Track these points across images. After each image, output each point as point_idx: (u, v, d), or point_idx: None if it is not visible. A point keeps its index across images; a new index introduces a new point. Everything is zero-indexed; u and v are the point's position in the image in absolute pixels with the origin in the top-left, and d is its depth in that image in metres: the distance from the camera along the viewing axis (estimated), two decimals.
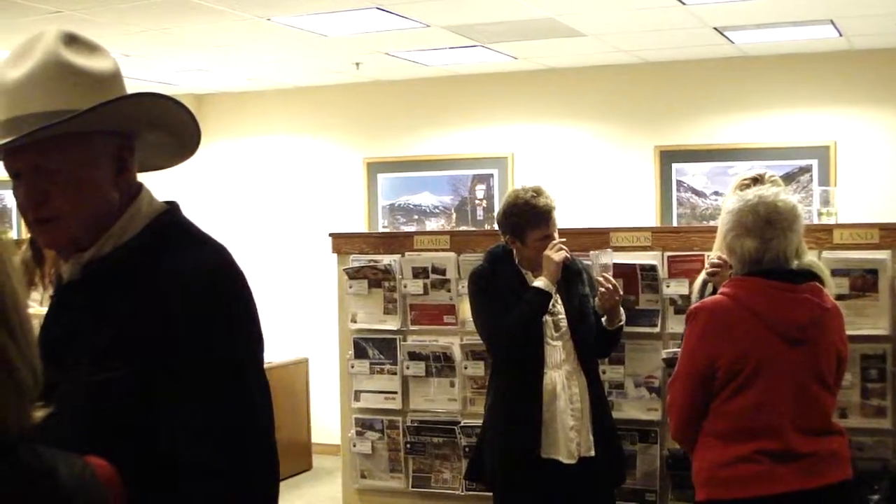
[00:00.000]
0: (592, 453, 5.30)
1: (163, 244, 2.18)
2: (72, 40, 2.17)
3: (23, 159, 2.15)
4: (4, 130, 2.12)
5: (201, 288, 2.11)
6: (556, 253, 5.24)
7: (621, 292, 5.47)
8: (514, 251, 5.39)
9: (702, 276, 5.30)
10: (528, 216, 5.28)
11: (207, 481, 2.03)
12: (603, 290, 5.35)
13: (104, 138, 2.17)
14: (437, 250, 6.52)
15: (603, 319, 5.42)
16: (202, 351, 2.06)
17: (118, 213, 2.21)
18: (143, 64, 9.32)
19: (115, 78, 2.21)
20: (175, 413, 2.04)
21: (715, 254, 5.07)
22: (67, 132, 2.10)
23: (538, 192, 5.35)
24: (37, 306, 5.73)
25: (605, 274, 5.34)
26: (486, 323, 5.44)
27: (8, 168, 2.19)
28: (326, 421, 9.74)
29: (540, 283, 5.24)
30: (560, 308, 5.36)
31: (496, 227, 5.53)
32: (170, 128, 2.32)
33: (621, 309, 5.47)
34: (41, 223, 2.20)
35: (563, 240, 5.31)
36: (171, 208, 2.29)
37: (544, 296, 5.24)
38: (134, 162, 2.25)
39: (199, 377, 2.05)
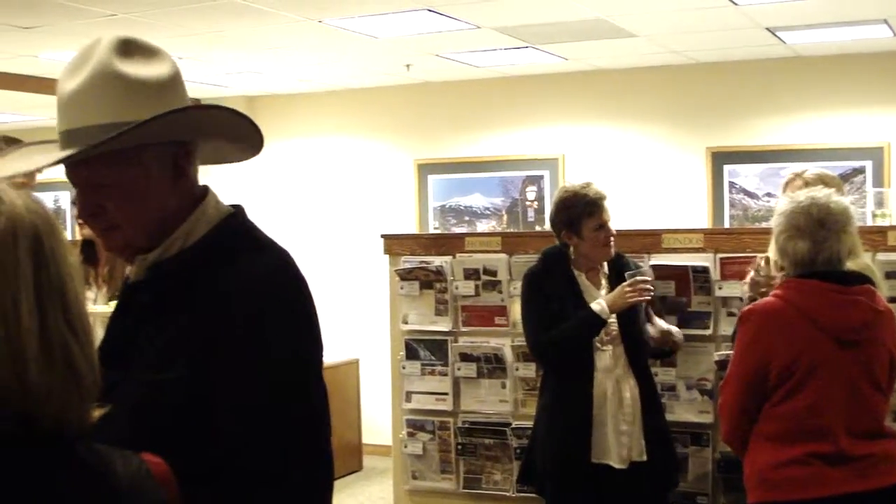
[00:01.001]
0: (644, 458, 5.27)
1: (227, 248, 2.19)
2: (127, 47, 2.16)
3: (77, 173, 2.17)
4: (63, 142, 2.14)
5: (263, 292, 2.12)
6: (633, 294, 5.19)
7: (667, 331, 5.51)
8: (571, 249, 5.37)
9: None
10: (581, 206, 5.27)
11: (262, 485, 2.04)
12: (657, 336, 5.42)
13: (159, 148, 2.17)
14: (488, 252, 6.53)
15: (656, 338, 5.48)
16: (261, 355, 2.07)
17: (184, 216, 2.22)
18: (196, 66, 9.38)
19: (171, 84, 2.19)
20: (232, 416, 2.06)
21: (762, 259, 5.03)
22: (121, 147, 2.11)
23: (587, 183, 5.36)
24: (91, 305, 5.79)
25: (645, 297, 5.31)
26: (531, 333, 5.44)
27: (68, 177, 2.21)
28: (377, 422, 9.77)
29: (597, 306, 5.20)
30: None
31: (549, 228, 5.51)
32: (228, 136, 2.33)
33: (673, 334, 5.51)
34: (101, 230, 2.23)
35: (651, 288, 5.27)
36: (237, 212, 2.30)
37: (597, 323, 5.21)
38: (192, 167, 2.25)
39: (257, 381, 2.06)
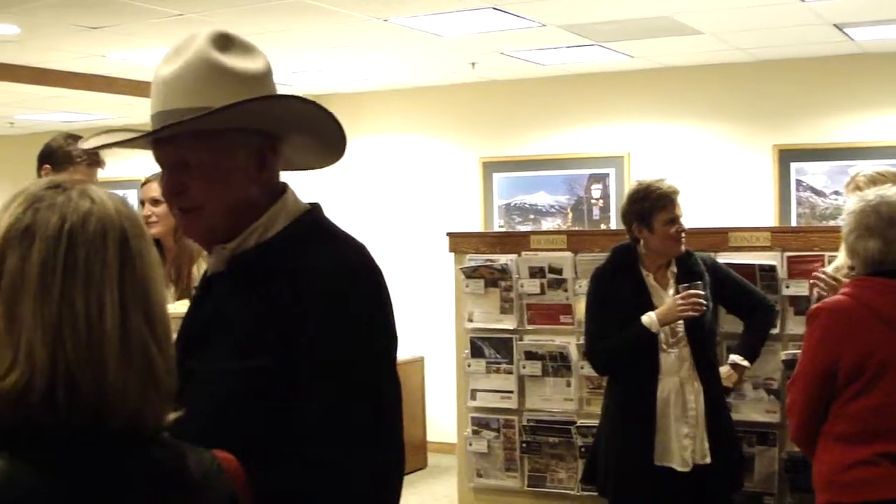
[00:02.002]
0: (708, 460, 5.24)
1: (304, 241, 2.23)
2: (224, 41, 2.24)
3: (166, 151, 2.24)
4: (154, 123, 2.21)
5: (339, 285, 2.15)
6: (685, 307, 5.16)
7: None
8: (640, 245, 5.34)
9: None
10: (654, 199, 5.25)
11: (335, 473, 2.06)
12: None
13: (246, 136, 2.23)
14: (553, 250, 6.52)
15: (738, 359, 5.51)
16: (337, 348, 2.10)
17: (262, 209, 2.26)
18: None
19: (263, 79, 2.26)
20: (306, 409, 2.08)
21: (833, 267, 5.00)
22: (206, 129, 2.17)
23: (661, 178, 5.37)
24: None
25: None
26: (587, 338, 5.48)
27: (156, 158, 2.28)
28: (442, 419, 9.78)
29: (647, 319, 5.18)
30: None
31: (614, 226, 5.50)
32: (312, 132, 2.36)
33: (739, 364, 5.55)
34: (182, 213, 2.27)
35: (703, 302, 5.22)
36: (314, 208, 2.34)
37: (646, 336, 5.19)
38: (277, 161, 2.30)
39: (331, 374, 2.09)
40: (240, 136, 2.22)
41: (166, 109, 2.19)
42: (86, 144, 2.37)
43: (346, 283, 2.17)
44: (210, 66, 2.19)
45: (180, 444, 1.68)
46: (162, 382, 1.62)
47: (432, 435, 10.47)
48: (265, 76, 2.27)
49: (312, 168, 2.51)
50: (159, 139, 2.22)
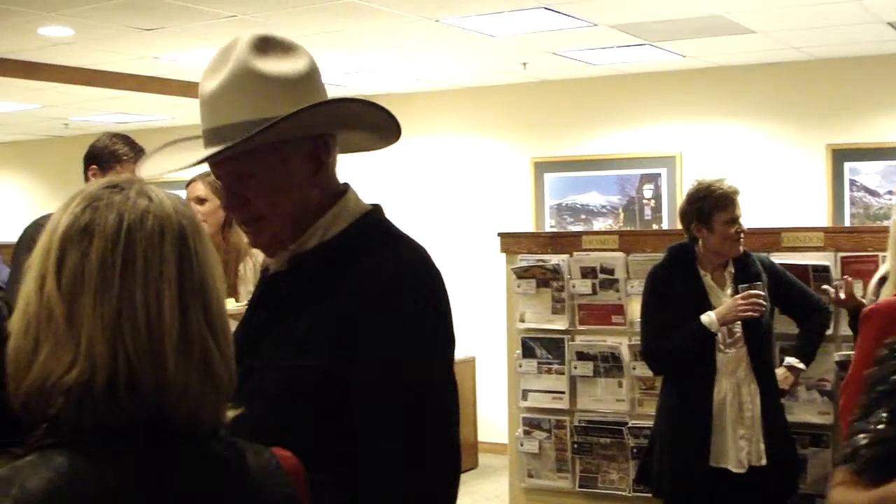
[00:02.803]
0: (763, 462, 5.21)
1: (364, 242, 2.24)
2: (264, 45, 2.22)
3: (222, 167, 2.24)
4: (207, 139, 2.21)
5: (398, 286, 2.16)
6: (745, 308, 5.14)
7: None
8: (699, 245, 5.33)
9: (877, 276, 5.18)
10: (714, 198, 5.24)
11: (391, 473, 2.07)
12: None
13: (297, 142, 2.22)
14: (605, 250, 6.51)
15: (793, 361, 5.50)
16: (395, 348, 2.10)
17: (323, 209, 2.27)
18: None
19: (308, 79, 2.24)
20: (363, 408, 2.09)
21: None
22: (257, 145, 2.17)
23: (721, 178, 5.36)
24: None
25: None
26: (643, 338, 5.46)
27: (213, 173, 2.30)
28: (493, 419, 9.79)
29: (706, 318, 5.16)
30: None
31: (672, 223, 5.49)
32: (363, 126, 2.37)
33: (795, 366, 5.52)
34: (246, 224, 2.29)
35: (763, 303, 5.19)
36: (375, 209, 2.35)
37: (705, 336, 5.17)
38: (332, 160, 2.30)
39: (389, 373, 2.10)
40: (292, 144, 2.22)
41: (215, 126, 2.19)
42: (146, 171, 2.37)
43: (403, 284, 2.17)
44: (252, 75, 2.18)
45: (238, 442, 1.70)
46: (221, 379, 1.63)
47: (483, 435, 10.47)
48: (309, 76, 2.25)
49: (368, 150, 2.52)
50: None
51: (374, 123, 2.38)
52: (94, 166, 4.93)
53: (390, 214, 2.37)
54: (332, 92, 2.31)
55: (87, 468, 1.52)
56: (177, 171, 2.30)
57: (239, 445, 1.69)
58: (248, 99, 2.17)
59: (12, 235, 5.55)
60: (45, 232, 1.61)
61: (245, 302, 4.10)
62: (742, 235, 5.27)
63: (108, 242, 1.57)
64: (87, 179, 4.88)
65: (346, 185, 2.35)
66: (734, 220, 5.23)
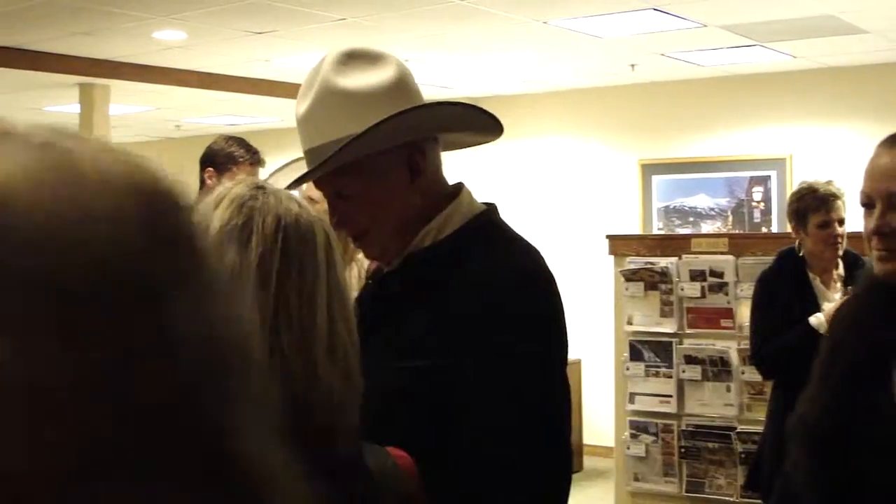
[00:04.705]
0: None
1: (477, 243, 2.23)
2: (346, 60, 2.22)
3: (321, 187, 2.29)
4: (307, 161, 2.25)
5: (511, 287, 2.15)
6: None
7: None
8: (802, 246, 5.27)
9: None
10: (810, 199, 5.18)
11: (502, 476, 2.07)
12: None
13: (388, 152, 2.21)
14: (714, 253, 6.45)
15: None
16: (507, 348, 2.09)
17: (432, 212, 2.26)
18: (420, 67, 9.51)
19: (395, 88, 2.23)
20: (475, 408, 2.09)
21: None
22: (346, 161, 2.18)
23: (828, 181, 5.28)
24: None
25: None
26: (752, 342, 5.39)
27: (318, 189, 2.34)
28: (599, 422, 9.74)
29: (815, 320, 5.09)
30: None
31: (782, 227, 5.44)
32: (462, 128, 2.37)
33: None
34: (354, 239, 2.32)
35: None
36: (489, 209, 2.33)
37: (813, 338, 5.10)
38: (430, 165, 2.28)
39: (501, 374, 2.09)
40: (382, 155, 2.20)
41: (311, 148, 2.22)
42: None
43: (516, 285, 2.17)
44: (335, 94, 2.18)
45: (358, 441, 1.72)
46: (356, 384, 1.66)
47: (588, 438, 10.43)
48: (396, 85, 2.23)
49: (469, 146, 2.50)
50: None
51: (469, 125, 2.38)
52: (211, 168, 4.99)
53: (500, 216, 2.36)
54: (438, 94, 2.31)
55: None
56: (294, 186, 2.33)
57: (359, 446, 1.72)
58: (334, 119, 2.18)
59: None
60: None
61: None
62: (840, 240, 5.18)
63: (267, 243, 1.61)
64: (202, 181, 4.95)
65: (459, 184, 2.34)
66: (828, 224, 5.15)
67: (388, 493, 1.71)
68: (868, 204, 2.46)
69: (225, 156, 5.00)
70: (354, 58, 2.23)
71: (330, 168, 2.16)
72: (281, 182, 2.36)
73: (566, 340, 2.25)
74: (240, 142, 5.09)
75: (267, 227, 1.61)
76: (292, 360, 1.57)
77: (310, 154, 2.23)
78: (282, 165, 2.62)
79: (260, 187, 1.67)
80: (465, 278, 2.16)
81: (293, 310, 1.59)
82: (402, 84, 2.25)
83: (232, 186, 1.69)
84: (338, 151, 2.13)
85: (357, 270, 5.12)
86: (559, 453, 2.18)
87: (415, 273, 2.25)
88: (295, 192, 2.12)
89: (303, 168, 2.36)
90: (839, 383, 2.52)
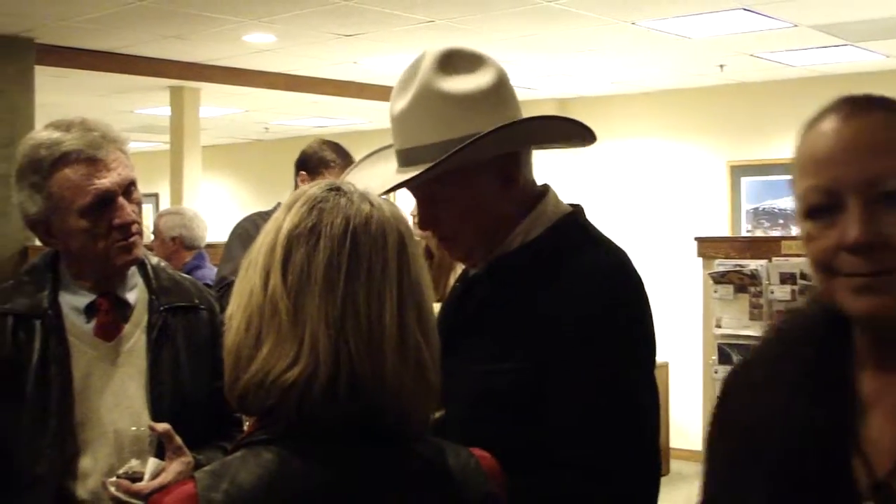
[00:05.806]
0: None
1: (565, 245, 2.22)
2: (449, 60, 2.21)
3: (413, 190, 2.26)
4: (400, 159, 2.24)
5: (599, 289, 2.14)
6: None
7: None
8: None
9: None
10: None
11: (589, 479, 2.06)
12: None
13: (487, 161, 2.20)
14: (805, 256, 6.36)
15: None
16: (594, 351, 2.09)
17: (520, 215, 2.25)
18: (508, 69, 9.42)
19: (494, 93, 2.22)
20: (561, 411, 2.08)
21: None
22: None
23: None
24: None
25: None
26: None
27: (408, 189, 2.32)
28: (686, 426, 9.68)
29: None
30: None
31: None
32: (555, 138, 2.37)
33: None
34: (441, 241, 2.33)
35: None
36: (575, 211, 2.33)
37: None
38: (523, 174, 2.27)
39: (587, 377, 2.08)
40: (478, 164, 2.19)
41: (406, 147, 2.21)
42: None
43: (604, 288, 2.15)
44: (436, 96, 2.17)
45: (440, 442, 1.73)
46: (431, 383, 1.66)
47: (676, 441, 10.35)
48: (498, 88, 2.23)
49: (560, 148, 2.49)
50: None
51: (563, 136, 2.37)
52: (303, 172, 5.03)
53: (587, 217, 2.34)
54: (524, 95, 2.30)
55: (296, 465, 1.56)
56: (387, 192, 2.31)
57: (441, 445, 1.72)
58: (433, 121, 2.17)
59: (221, 236, 5.71)
60: (267, 231, 1.66)
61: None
62: None
63: (335, 244, 1.61)
64: (296, 185, 4.99)
65: (545, 186, 2.33)
66: None
67: (471, 492, 1.71)
68: (825, 206, 1.59)
69: (317, 160, 5.03)
70: (455, 59, 2.22)
71: (430, 177, 2.15)
72: (360, 175, 2.36)
73: (654, 343, 2.23)
74: (333, 146, 5.11)
75: (335, 229, 1.62)
76: (359, 362, 1.57)
77: (403, 154, 2.22)
78: (363, 157, 2.61)
79: (335, 188, 1.68)
80: (553, 280, 2.15)
81: (361, 310, 1.59)
82: (502, 89, 2.25)
83: (307, 188, 1.69)
84: (440, 161, 2.12)
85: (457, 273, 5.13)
86: (648, 457, 2.17)
87: (503, 276, 2.24)
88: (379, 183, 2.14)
89: (380, 159, 2.37)
90: None
